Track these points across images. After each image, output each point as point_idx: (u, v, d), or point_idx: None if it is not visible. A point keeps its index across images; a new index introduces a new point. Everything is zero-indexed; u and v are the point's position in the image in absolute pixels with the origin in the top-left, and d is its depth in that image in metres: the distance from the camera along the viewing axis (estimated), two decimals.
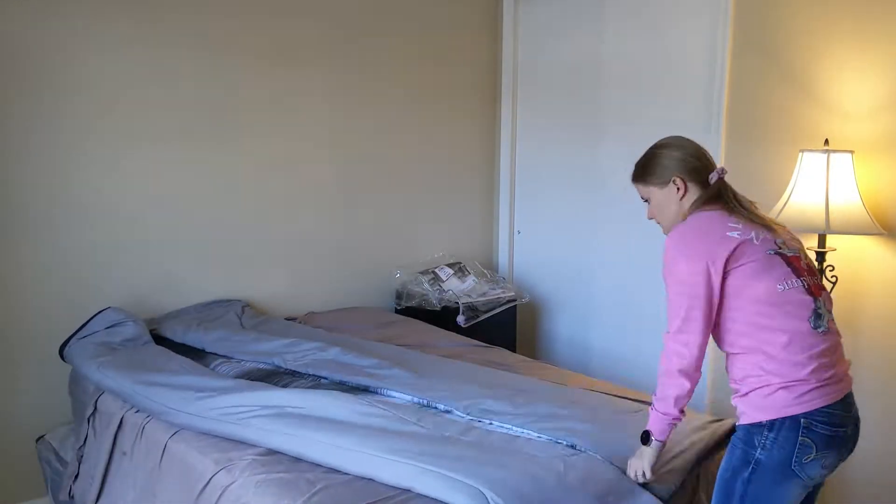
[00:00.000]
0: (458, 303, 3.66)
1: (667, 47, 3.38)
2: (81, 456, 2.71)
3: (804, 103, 2.87)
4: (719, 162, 3.13)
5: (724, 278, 1.85)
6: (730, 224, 1.90)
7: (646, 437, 1.97)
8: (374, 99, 3.75)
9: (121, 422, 2.53)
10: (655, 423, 1.94)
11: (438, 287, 3.77)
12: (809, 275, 1.91)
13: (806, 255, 1.96)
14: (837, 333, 1.92)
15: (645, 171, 2.05)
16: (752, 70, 3.02)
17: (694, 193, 1.99)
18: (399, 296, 3.84)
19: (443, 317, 3.63)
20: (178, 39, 3.19)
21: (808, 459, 1.81)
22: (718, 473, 1.93)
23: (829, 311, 1.91)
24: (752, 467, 1.84)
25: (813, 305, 1.85)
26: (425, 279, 3.81)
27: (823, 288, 1.93)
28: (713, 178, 1.98)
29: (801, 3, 2.85)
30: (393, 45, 3.78)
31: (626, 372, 3.62)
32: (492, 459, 2.03)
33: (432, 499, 1.92)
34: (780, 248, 1.89)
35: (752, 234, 1.89)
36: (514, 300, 3.85)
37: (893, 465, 2.75)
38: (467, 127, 4.10)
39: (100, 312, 3.02)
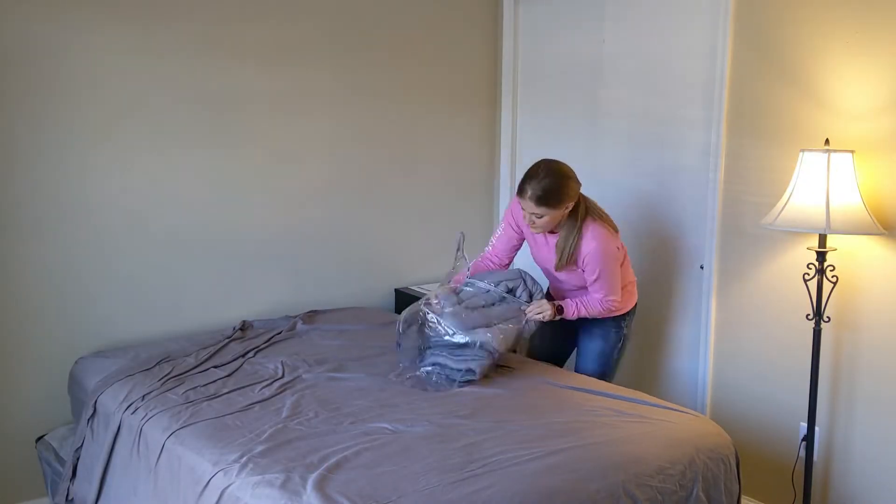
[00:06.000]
0: None
1: (667, 47, 3.37)
2: (77, 458, 2.70)
3: (804, 103, 2.86)
4: (720, 160, 3.13)
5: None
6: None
7: (560, 310, 2.92)
8: (373, 99, 3.75)
9: (119, 423, 2.53)
10: (570, 311, 2.94)
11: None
12: None
13: None
14: None
15: (552, 199, 2.79)
16: (752, 70, 3.02)
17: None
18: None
19: None
20: (181, 41, 3.19)
21: None
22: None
23: None
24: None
25: None
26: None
27: None
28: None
29: (801, 2, 2.84)
30: (393, 46, 3.78)
31: (625, 372, 3.61)
32: None
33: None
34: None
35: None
36: None
37: (893, 463, 2.74)
38: (467, 127, 4.09)
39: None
